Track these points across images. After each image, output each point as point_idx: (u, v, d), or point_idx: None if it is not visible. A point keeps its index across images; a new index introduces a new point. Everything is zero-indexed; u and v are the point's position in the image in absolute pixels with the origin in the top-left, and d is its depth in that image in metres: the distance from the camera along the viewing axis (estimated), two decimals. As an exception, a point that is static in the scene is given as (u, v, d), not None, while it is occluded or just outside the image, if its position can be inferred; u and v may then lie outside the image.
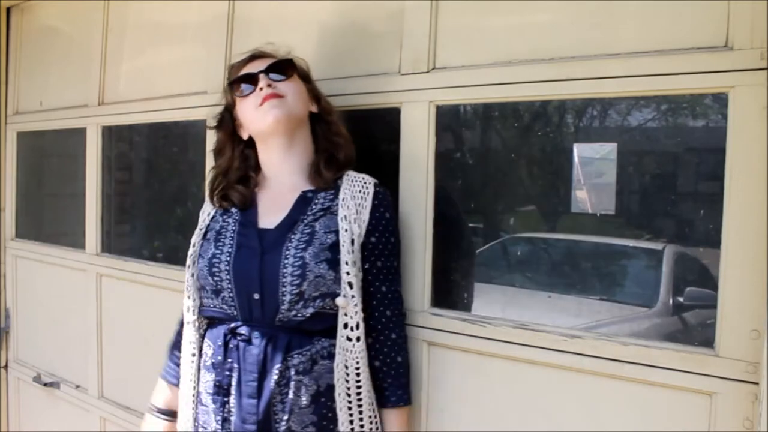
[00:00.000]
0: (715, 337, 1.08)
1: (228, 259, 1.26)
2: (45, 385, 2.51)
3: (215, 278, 1.27)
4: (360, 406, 1.24)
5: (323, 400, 1.24)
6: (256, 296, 1.23)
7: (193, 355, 1.33)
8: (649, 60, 1.13)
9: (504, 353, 1.29)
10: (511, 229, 1.40)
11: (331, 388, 1.24)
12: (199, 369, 1.32)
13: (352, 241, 1.24)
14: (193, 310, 1.33)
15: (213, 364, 1.29)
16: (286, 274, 1.21)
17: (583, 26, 1.22)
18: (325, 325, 1.24)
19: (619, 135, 1.24)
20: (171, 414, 1.45)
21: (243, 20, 1.82)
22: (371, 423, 1.26)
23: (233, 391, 1.25)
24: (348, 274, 1.22)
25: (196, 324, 1.33)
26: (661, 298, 1.26)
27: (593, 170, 1.25)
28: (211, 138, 1.84)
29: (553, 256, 1.39)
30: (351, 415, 1.24)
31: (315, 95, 1.39)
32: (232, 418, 1.24)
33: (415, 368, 1.40)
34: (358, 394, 1.24)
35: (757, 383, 1.03)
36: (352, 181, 1.31)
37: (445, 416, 1.39)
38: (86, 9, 2.34)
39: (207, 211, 1.42)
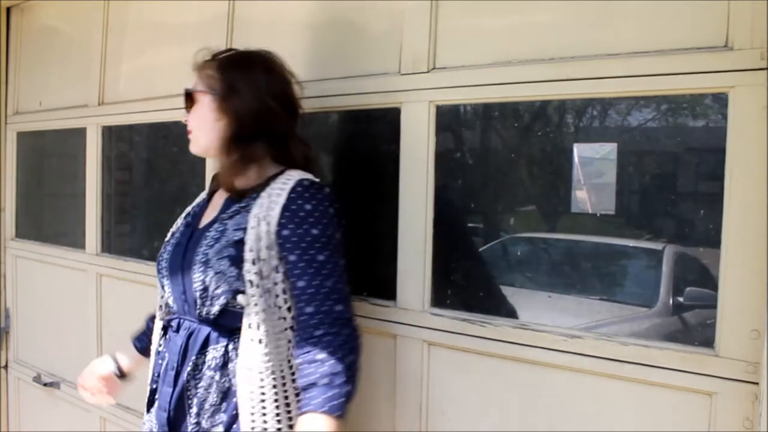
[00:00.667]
0: (715, 337, 1.08)
1: (167, 257, 1.34)
2: (45, 385, 2.51)
3: (159, 275, 1.36)
4: (264, 412, 1.18)
5: (234, 400, 1.21)
6: (181, 290, 1.28)
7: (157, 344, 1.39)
8: (649, 60, 1.13)
9: (504, 353, 1.29)
10: (511, 229, 1.40)
11: None
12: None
13: (260, 239, 1.19)
14: (159, 301, 1.41)
15: (156, 351, 1.36)
16: (195, 270, 1.24)
17: (583, 26, 1.22)
18: (241, 323, 1.23)
19: (619, 135, 1.24)
20: (122, 372, 1.56)
21: (243, 20, 1.82)
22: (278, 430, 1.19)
23: (161, 379, 1.31)
24: (248, 272, 1.19)
25: (159, 314, 1.41)
26: (661, 298, 1.26)
27: (593, 170, 1.25)
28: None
29: (553, 256, 1.39)
30: (253, 420, 1.18)
31: (220, 104, 1.28)
32: (156, 404, 1.31)
33: (415, 368, 1.41)
34: (262, 400, 1.18)
35: (757, 383, 1.03)
36: (279, 180, 1.25)
37: (444, 416, 1.39)
38: (86, 9, 2.34)
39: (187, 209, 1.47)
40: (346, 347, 1.16)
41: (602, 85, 1.19)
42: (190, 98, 1.34)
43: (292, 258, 1.20)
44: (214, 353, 1.23)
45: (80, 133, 2.34)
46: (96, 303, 2.29)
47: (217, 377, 1.22)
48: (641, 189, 1.23)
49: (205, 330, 1.25)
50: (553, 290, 1.35)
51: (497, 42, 1.33)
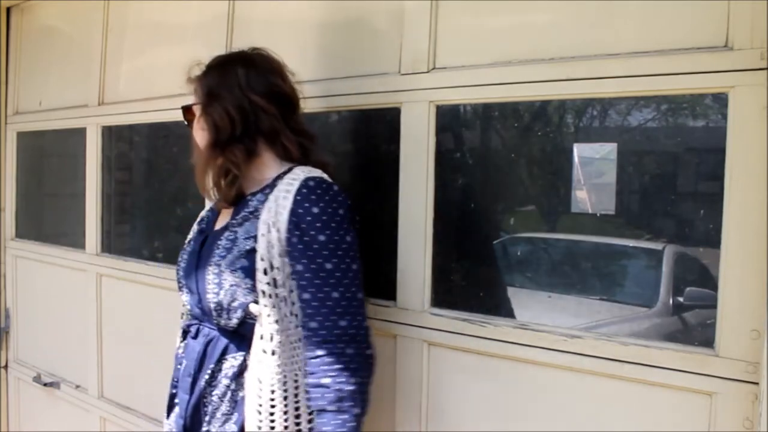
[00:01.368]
0: (715, 337, 1.08)
1: (183, 265, 1.34)
2: (45, 385, 2.51)
3: (178, 284, 1.35)
4: (272, 425, 1.14)
5: (245, 410, 1.19)
6: (197, 299, 1.26)
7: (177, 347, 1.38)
8: (649, 60, 1.13)
9: (504, 353, 1.29)
10: (511, 229, 1.40)
11: None
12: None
13: (272, 246, 1.15)
14: (181, 309, 1.41)
15: (176, 355, 1.35)
16: (209, 282, 1.22)
17: (583, 26, 1.22)
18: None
19: (620, 135, 1.24)
20: None
21: (243, 20, 1.82)
22: None
23: (179, 384, 1.30)
24: (260, 282, 1.15)
25: (182, 318, 1.40)
26: (661, 298, 1.26)
27: (593, 170, 1.25)
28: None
29: (553, 256, 1.39)
30: None
31: (225, 107, 1.24)
32: (176, 410, 1.30)
33: (415, 368, 1.41)
34: (271, 414, 1.13)
35: (757, 383, 1.03)
36: (286, 179, 1.20)
37: (444, 416, 1.38)
38: (86, 9, 2.34)
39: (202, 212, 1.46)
40: (351, 367, 1.11)
41: (602, 85, 1.19)
42: (187, 115, 1.33)
43: (299, 268, 1.14)
44: (232, 362, 1.22)
45: (80, 133, 2.34)
46: (96, 303, 2.29)
47: (232, 386, 1.20)
48: (641, 189, 1.23)
49: (224, 339, 1.23)
50: (553, 290, 1.35)
51: (497, 42, 1.33)
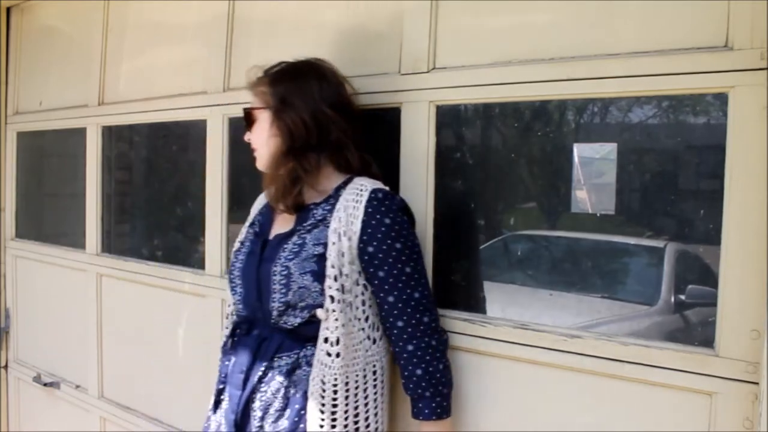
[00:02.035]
0: (715, 337, 1.08)
1: (240, 266, 1.34)
2: (45, 385, 2.51)
3: (232, 284, 1.36)
4: (333, 425, 1.21)
5: (297, 407, 1.24)
6: (255, 300, 1.29)
7: (225, 344, 1.41)
8: (649, 60, 1.13)
9: (504, 353, 1.29)
10: (511, 229, 1.40)
11: (307, 396, 1.23)
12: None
13: (342, 254, 1.21)
14: (230, 305, 1.43)
15: (224, 352, 1.38)
16: (275, 282, 1.25)
17: (583, 26, 1.23)
18: (318, 332, 1.24)
19: (621, 134, 1.24)
20: None
21: (243, 20, 1.82)
22: None
23: (228, 380, 1.33)
24: (330, 287, 1.20)
25: (230, 319, 1.42)
26: (663, 296, 1.26)
27: (593, 170, 1.25)
28: (212, 138, 1.85)
29: (554, 254, 1.39)
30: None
31: (273, 120, 1.29)
32: (224, 403, 1.32)
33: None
34: (333, 413, 1.21)
35: (757, 383, 1.03)
36: (350, 190, 1.26)
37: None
38: (86, 9, 2.34)
39: (251, 216, 1.47)
40: (437, 354, 1.24)
41: (602, 85, 1.19)
42: (249, 117, 1.34)
43: (381, 274, 1.23)
44: (286, 359, 1.26)
45: (80, 133, 2.34)
46: (96, 303, 2.29)
47: (285, 383, 1.24)
48: (643, 187, 1.23)
49: (278, 337, 1.27)
50: (554, 288, 1.35)
51: (497, 42, 1.33)
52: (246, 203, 1.88)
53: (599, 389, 1.19)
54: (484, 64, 1.34)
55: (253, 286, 1.29)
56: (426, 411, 1.23)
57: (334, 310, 1.20)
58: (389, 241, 1.22)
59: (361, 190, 1.24)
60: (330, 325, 1.21)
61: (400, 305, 1.23)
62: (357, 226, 1.22)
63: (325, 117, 1.28)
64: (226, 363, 1.35)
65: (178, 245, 2.16)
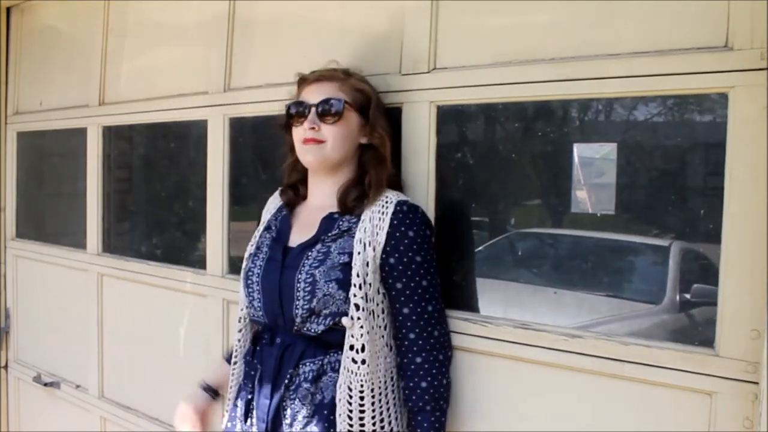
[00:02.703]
0: (715, 337, 1.08)
1: (259, 272, 1.34)
2: (45, 385, 2.51)
3: (248, 289, 1.36)
4: (362, 429, 1.24)
5: (325, 413, 1.24)
6: (277, 307, 1.29)
7: (236, 350, 1.43)
8: (650, 60, 1.13)
9: (505, 353, 1.30)
10: (511, 228, 1.40)
11: (334, 402, 1.24)
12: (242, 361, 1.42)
13: (367, 264, 1.23)
14: (242, 309, 1.42)
15: (246, 361, 1.39)
16: (299, 289, 1.25)
17: (583, 26, 1.23)
18: (341, 338, 1.25)
19: (623, 132, 1.24)
20: (214, 391, 1.53)
21: (243, 20, 1.82)
22: None
23: (256, 389, 1.32)
24: (355, 296, 1.22)
25: (244, 322, 1.42)
26: (668, 294, 1.26)
27: (593, 170, 1.26)
28: (213, 138, 1.85)
29: (559, 252, 1.39)
30: None
31: (371, 124, 1.33)
32: (254, 412, 1.32)
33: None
34: (361, 419, 1.23)
35: (757, 383, 1.03)
36: (376, 201, 1.27)
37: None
38: (86, 9, 2.34)
39: (261, 223, 1.45)
40: (443, 370, 1.28)
41: (603, 86, 1.19)
42: (332, 109, 1.29)
43: (398, 286, 1.25)
44: (311, 366, 1.27)
45: (81, 133, 2.34)
46: (97, 303, 2.29)
47: (311, 389, 1.25)
48: (647, 185, 1.23)
49: (302, 344, 1.27)
50: (559, 286, 1.35)
51: (498, 42, 1.33)
52: (246, 203, 1.89)
53: (600, 389, 1.19)
54: (484, 65, 1.34)
55: (275, 293, 1.29)
56: (425, 425, 1.25)
57: (359, 318, 1.22)
58: (410, 254, 1.25)
59: (387, 202, 1.27)
60: (355, 332, 1.22)
61: (414, 317, 1.26)
62: (382, 237, 1.24)
63: (384, 130, 1.33)
64: (252, 373, 1.34)
65: (179, 245, 2.17)
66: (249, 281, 1.35)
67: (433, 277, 1.28)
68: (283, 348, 1.29)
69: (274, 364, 1.28)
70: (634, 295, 1.32)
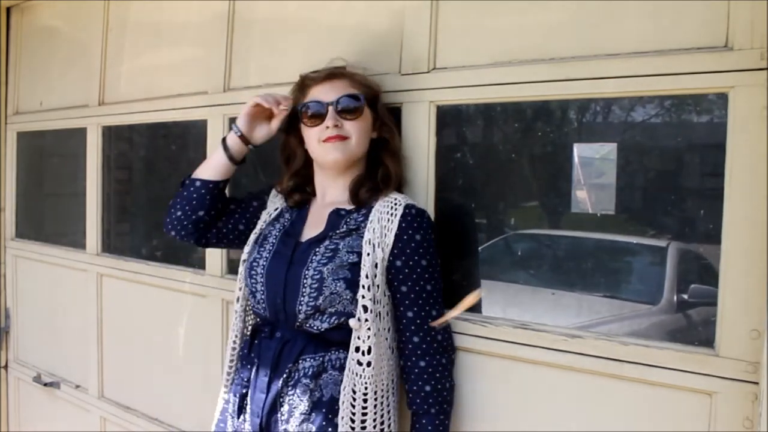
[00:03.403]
0: (715, 337, 1.08)
1: (264, 264, 1.32)
2: (45, 385, 2.51)
3: (251, 280, 1.33)
4: (363, 429, 1.23)
5: (324, 411, 1.24)
6: (280, 301, 1.28)
7: (234, 342, 1.41)
8: (649, 60, 1.13)
9: (505, 353, 1.30)
10: (511, 228, 1.40)
11: (333, 401, 1.24)
12: (237, 357, 1.41)
13: (375, 265, 1.23)
14: (240, 301, 1.41)
15: (246, 355, 1.37)
16: (305, 285, 1.24)
17: (583, 26, 1.23)
18: (344, 337, 1.25)
19: (623, 132, 1.24)
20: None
21: (243, 20, 1.82)
22: None
23: (251, 383, 1.31)
24: (363, 297, 1.21)
25: (242, 315, 1.41)
26: (666, 295, 1.26)
27: (593, 170, 1.26)
28: (213, 138, 1.84)
29: (557, 253, 1.39)
30: None
31: (380, 118, 1.34)
32: (248, 407, 1.31)
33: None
34: (363, 421, 1.23)
35: (757, 383, 1.03)
36: (384, 202, 1.27)
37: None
38: (86, 9, 2.34)
39: (269, 211, 1.43)
40: (446, 373, 1.28)
41: (602, 86, 1.19)
42: (353, 105, 1.29)
43: (403, 289, 1.25)
44: (311, 362, 1.26)
45: (80, 133, 2.34)
46: (96, 303, 2.29)
47: (311, 385, 1.24)
48: (645, 186, 1.23)
49: (302, 340, 1.27)
50: (557, 287, 1.35)
51: (497, 42, 1.33)
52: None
53: (599, 389, 1.19)
54: (484, 64, 1.34)
55: (280, 287, 1.28)
56: (429, 427, 1.25)
57: (366, 320, 1.21)
58: (416, 257, 1.25)
59: (396, 204, 1.26)
60: (362, 334, 1.22)
61: (418, 321, 1.25)
62: (390, 239, 1.24)
63: (391, 128, 1.36)
64: (249, 367, 1.33)
65: (179, 245, 2.16)
66: (253, 272, 1.33)
67: (437, 281, 1.28)
68: (283, 343, 1.28)
69: (273, 359, 1.27)
70: (632, 295, 1.32)
